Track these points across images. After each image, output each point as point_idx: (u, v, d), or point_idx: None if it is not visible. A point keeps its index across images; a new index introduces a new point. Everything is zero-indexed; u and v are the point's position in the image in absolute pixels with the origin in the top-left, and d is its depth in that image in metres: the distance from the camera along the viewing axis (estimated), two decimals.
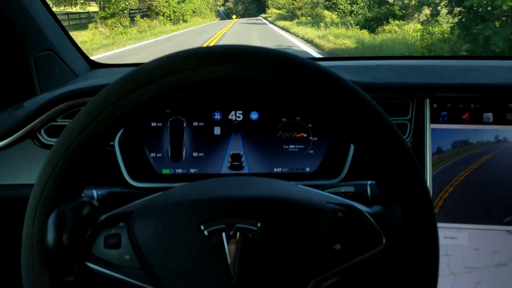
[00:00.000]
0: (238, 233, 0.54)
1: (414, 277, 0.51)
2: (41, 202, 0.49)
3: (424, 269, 0.51)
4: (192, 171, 0.95)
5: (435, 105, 0.90)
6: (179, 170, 0.95)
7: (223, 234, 0.54)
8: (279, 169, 0.96)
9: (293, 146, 0.96)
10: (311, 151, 0.96)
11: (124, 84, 0.48)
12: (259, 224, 0.55)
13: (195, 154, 0.95)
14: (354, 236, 0.57)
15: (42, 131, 0.91)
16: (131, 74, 0.48)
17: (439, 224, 0.87)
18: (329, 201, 0.59)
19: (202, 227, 0.54)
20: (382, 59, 1.21)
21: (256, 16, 62.15)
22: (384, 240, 0.55)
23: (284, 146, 0.96)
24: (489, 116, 0.89)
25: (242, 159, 0.95)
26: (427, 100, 0.90)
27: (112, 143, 0.90)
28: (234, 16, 77.47)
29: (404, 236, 0.51)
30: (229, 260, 0.54)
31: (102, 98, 0.48)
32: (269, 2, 46.58)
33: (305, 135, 0.96)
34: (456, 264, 0.87)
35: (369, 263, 0.55)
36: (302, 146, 0.96)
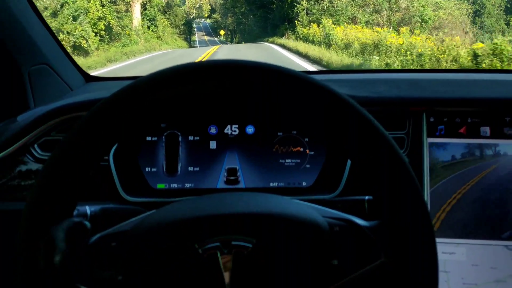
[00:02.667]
0: (233, 251, 0.53)
1: None
2: (31, 223, 0.48)
3: (423, 284, 0.50)
4: (188, 186, 0.94)
5: (432, 119, 0.90)
6: (174, 185, 0.94)
7: (218, 252, 0.53)
8: (275, 184, 0.95)
9: (289, 160, 0.95)
10: (308, 166, 0.95)
11: (115, 101, 0.47)
12: (254, 241, 0.54)
13: (190, 168, 0.94)
14: (352, 250, 0.56)
15: (35, 145, 0.90)
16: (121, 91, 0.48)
17: (437, 239, 0.86)
18: (325, 216, 0.58)
19: (196, 246, 0.53)
20: (378, 72, 1.21)
21: (262, 39, 32.25)
22: (382, 255, 0.54)
23: (281, 160, 0.95)
24: (486, 130, 0.89)
25: (238, 173, 0.94)
26: (424, 114, 0.90)
27: (106, 157, 0.89)
28: (222, 32, 64.52)
29: (403, 251, 0.50)
30: (225, 278, 0.53)
31: (92, 116, 0.47)
32: (301, 15, 22.94)
33: (301, 149, 0.95)
34: (455, 281, 0.85)
35: (368, 278, 0.54)
36: (298, 160, 0.95)
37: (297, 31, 22.26)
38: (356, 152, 0.50)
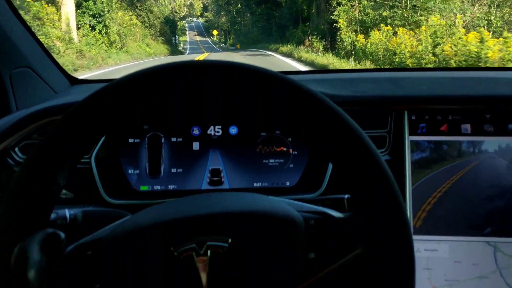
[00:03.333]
0: (209, 251, 0.53)
1: (390, 282, 0.50)
2: (2, 237, 0.47)
3: (400, 275, 0.50)
4: (171, 188, 0.94)
5: (413, 117, 0.90)
6: (158, 187, 0.94)
7: (194, 254, 0.53)
8: (259, 184, 0.95)
9: (273, 161, 0.95)
10: (291, 165, 0.95)
11: (89, 103, 0.47)
12: (229, 240, 0.54)
13: (173, 170, 0.94)
14: (328, 243, 0.56)
15: (16, 149, 0.90)
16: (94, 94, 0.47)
17: (420, 237, 0.87)
18: (300, 210, 0.59)
19: (172, 248, 0.53)
20: (360, 71, 1.21)
21: (263, 44, 26.77)
22: (358, 246, 0.54)
23: (264, 161, 0.95)
24: (467, 127, 0.89)
25: (222, 174, 0.94)
26: (406, 112, 0.90)
27: (88, 160, 0.89)
28: (215, 32, 56.34)
29: (378, 241, 0.50)
30: (202, 279, 0.53)
31: (66, 119, 0.47)
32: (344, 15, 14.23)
33: (285, 149, 0.95)
34: (437, 278, 0.86)
35: (345, 270, 0.54)
36: (282, 160, 0.95)
37: (342, 40, 13.73)
38: (332, 151, 0.50)
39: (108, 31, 17.59)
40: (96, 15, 17.08)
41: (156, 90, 0.48)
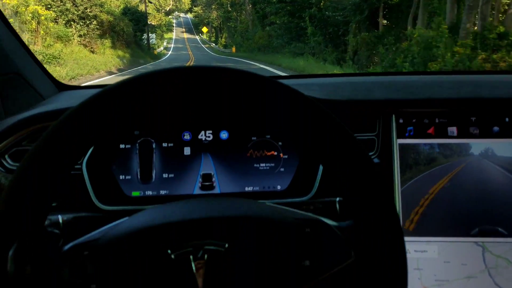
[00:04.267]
0: (205, 255, 0.54)
1: None
2: (0, 234, 0.47)
3: (393, 283, 0.51)
4: (163, 193, 0.94)
5: (401, 121, 0.92)
6: (149, 192, 0.94)
7: (191, 257, 0.54)
8: (250, 188, 0.96)
9: (264, 165, 0.96)
10: (282, 169, 0.96)
11: (82, 110, 0.48)
12: (226, 245, 0.54)
13: (165, 175, 0.94)
14: (323, 251, 0.57)
15: (6, 156, 0.89)
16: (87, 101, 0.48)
17: (409, 238, 0.88)
18: (296, 217, 0.59)
19: (169, 252, 0.53)
20: (348, 76, 1.23)
21: (274, 54, 19.16)
22: (352, 254, 0.55)
23: (255, 165, 0.96)
24: (453, 130, 0.91)
25: (213, 179, 0.94)
26: (393, 115, 0.92)
27: (79, 166, 0.89)
28: (205, 29, 48.66)
29: (373, 250, 0.51)
30: (198, 283, 0.53)
31: (58, 125, 0.47)
32: None
33: (275, 153, 0.96)
34: (427, 278, 0.87)
35: (339, 278, 0.55)
36: (273, 164, 0.96)
37: None
38: (324, 154, 0.51)
39: None
40: None
41: (146, 96, 0.48)
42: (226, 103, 0.51)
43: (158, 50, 34.24)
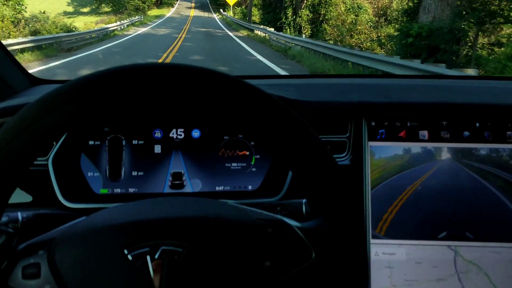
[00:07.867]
0: (163, 256, 0.53)
1: None
2: None
3: (353, 284, 0.51)
4: (131, 191, 0.92)
5: (373, 123, 0.92)
6: (118, 190, 0.92)
7: (148, 258, 0.53)
8: (221, 188, 0.95)
9: (235, 164, 0.95)
10: (254, 169, 0.95)
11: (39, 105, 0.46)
12: (185, 245, 0.54)
13: (134, 173, 0.93)
14: (284, 251, 0.56)
15: None
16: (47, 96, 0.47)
17: (379, 241, 0.88)
18: (258, 218, 0.59)
19: (125, 252, 0.52)
20: (320, 77, 1.23)
21: None
22: (313, 254, 0.55)
23: (227, 164, 0.95)
24: (424, 133, 0.92)
25: (184, 177, 0.93)
26: (365, 118, 0.92)
27: (45, 162, 0.87)
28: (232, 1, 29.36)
29: (333, 251, 0.51)
30: (154, 283, 0.52)
31: (17, 121, 0.46)
32: None
33: (247, 153, 0.95)
34: (397, 277, 0.87)
35: (299, 278, 0.55)
36: (244, 164, 0.95)
37: None
38: (288, 155, 0.50)
39: None
40: None
41: (116, 92, 0.47)
42: (196, 102, 0.50)
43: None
